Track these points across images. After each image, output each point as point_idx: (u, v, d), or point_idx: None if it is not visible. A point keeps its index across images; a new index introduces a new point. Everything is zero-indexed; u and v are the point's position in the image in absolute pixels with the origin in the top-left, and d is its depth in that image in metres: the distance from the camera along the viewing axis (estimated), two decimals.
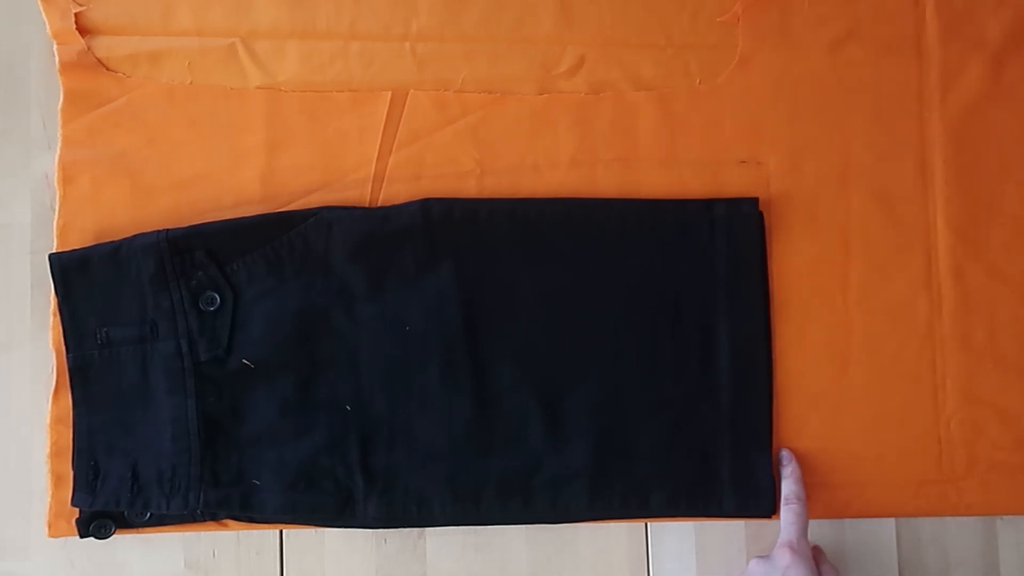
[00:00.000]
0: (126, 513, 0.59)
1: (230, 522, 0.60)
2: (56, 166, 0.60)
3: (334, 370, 0.59)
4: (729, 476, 0.60)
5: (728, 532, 0.62)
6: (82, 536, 0.58)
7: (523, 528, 0.62)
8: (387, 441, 0.59)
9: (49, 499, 0.59)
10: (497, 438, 0.60)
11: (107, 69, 0.60)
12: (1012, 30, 0.64)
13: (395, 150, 0.61)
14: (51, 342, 0.59)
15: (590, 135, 0.62)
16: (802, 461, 0.61)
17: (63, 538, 0.60)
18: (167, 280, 0.58)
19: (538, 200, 0.61)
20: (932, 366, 0.62)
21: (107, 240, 0.59)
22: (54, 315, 0.59)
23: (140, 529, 0.59)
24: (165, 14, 0.61)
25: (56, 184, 0.60)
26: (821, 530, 0.62)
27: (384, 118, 0.61)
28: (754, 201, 0.61)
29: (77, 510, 0.58)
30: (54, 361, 0.59)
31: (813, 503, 0.61)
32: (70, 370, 0.58)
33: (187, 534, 0.60)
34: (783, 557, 0.55)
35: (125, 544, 0.60)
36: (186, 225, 0.59)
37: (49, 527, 0.59)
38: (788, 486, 0.59)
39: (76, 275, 0.58)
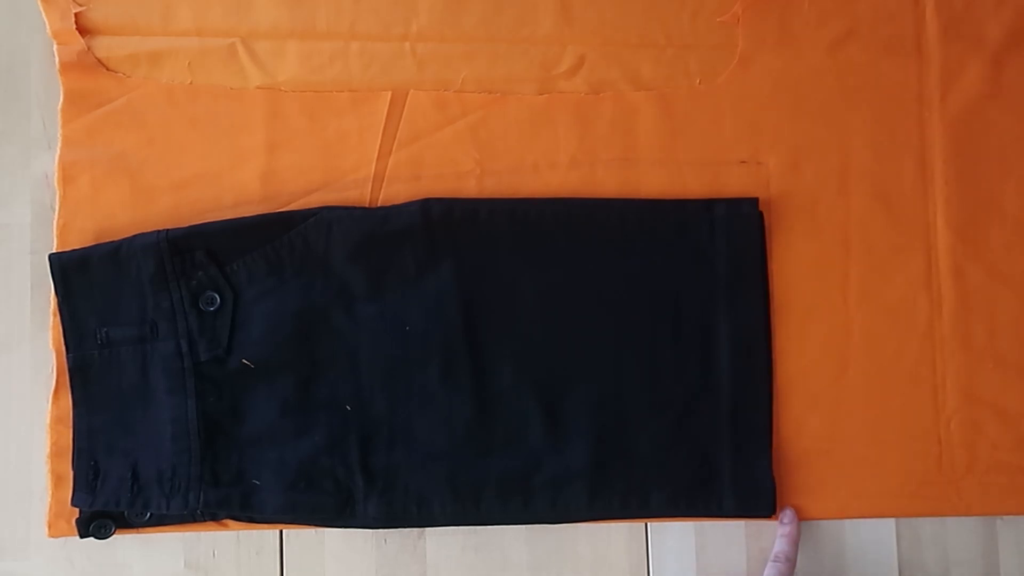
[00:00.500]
0: (126, 513, 0.59)
1: (230, 522, 0.60)
2: (56, 166, 0.60)
3: (334, 370, 0.59)
4: (729, 476, 0.60)
5: (728, 532, 0.62)
6: (82, 536, 0.58)
7: (523, 528, 0.62)
8: (387, 441, 0.59)
9: (49, 499, 0.59)
10: (497, 438, 0.60)
11: (107, 69, 0.60)
12: (1012, 30, 0.64)
13: (395, 150, 0.61)
14: (51, 342, 0.59)
15: (590, 135, 0.62)
16: (802, 461, 0.61)
17: (63, 538, 0.60)
18: (167, 280, 0.58)
19: (538, 200, 0.61)
20: (932, 366, 0.62)
21: (107, 240, 0.59)
22: (54, 315, 0.59)
23: (140, 529, 0.59)
24: (165, 14, 0.61)
25: (56, 184, 0.60)
26: (821, 530, 0.62)
27: (384, 118, 0.61)
28: (754, 201, 0.61)
29: (77, 510, 0.58)
30: (54, 361, 0.59)
31: (813, 503, 0.61)
32: (70, 370, 0.58)
33: (187, 534, 0.60)
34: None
35: (125, 544, 0.60)
36: (186, 225, 0.59)
37: (49, 527, 0.59)
38: (780, 544, 0.59)
39: (76, 275, 0.58)
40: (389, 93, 0.62)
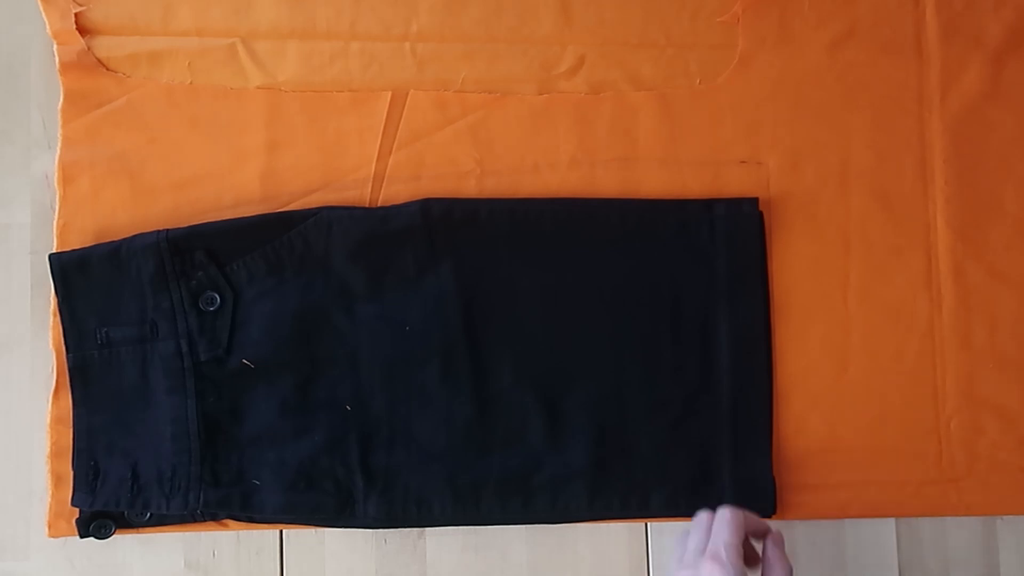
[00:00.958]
0: (126, 513, 0.59)
1: (230, 522, 0.60)
2: (56, 166, 0.60)
3: (334, 370, 0.59)
4: (729, 476, 0.60)
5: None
6: (82, 536, 0.58)
7: (523, 528, 0.62)
8: (387, 441, 0.59)
9: (49, 499, 0.59)
10: (497, 438, 0.60)
11: (107, 69, 0.60)
12: (1012, 30, 0.64)
13: (395, 150, 0.61)
14: (51, 342, 0.59)
15: (590, 135, 0.62)
16: (802, 461, 0.61)
17: (63, 538, 0.60)
18: (167, 280, 0.58)
19: (538, 200, 0.61)
20: (932, 366, 0.62)
21: (107, 240, 0.59)
22: (54, 315, 0.59)
23: (140, 529, 0.59)
24: (165, 14, 0.61)
25: (56, 184, 0.60)
26: (821, 530, 0.62)
27: (384, 118, 0.61)
28: (754, 201, 0.61)
29: (77, 510, 0.58)
30: (54, 361, 0.59)
31: (813, 503, 0.61)
32: (70, 370, 0.58)
33: (187, 534, 0.60)
34: (706, 570, 0.50)
35: (125, 544, 0.60)
36: (186, 225, 0.59)
37: (49, 527, 0.59)
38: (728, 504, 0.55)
39: (76, 275, 0.58)
40: (389, 93, 0.62)
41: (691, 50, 0.63)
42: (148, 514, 0.59)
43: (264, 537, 0.61)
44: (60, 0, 0.60)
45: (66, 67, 0.60)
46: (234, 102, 0.61)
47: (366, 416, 0.59)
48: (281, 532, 0.61)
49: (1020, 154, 0.64)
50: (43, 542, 0.60)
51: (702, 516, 0.54)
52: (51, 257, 0.58)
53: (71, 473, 0.58)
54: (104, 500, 0.58)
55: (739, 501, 0.60)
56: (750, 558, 0.53)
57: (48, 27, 0.60)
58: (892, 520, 0.63)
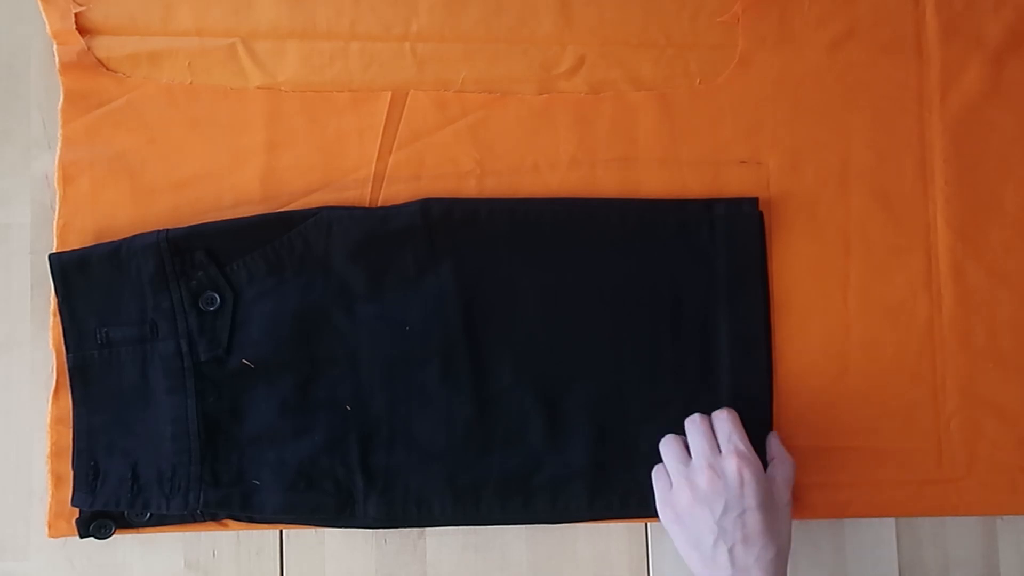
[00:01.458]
0: (126, 513, 0.59)
1: (230, 522, 0.60)
2: (56, 166, 0.60)
3: (334, 370, 0.59)
4: None
5: None
6: (82, 536, 0.58)
7: (523, 528, 0.62)
8: (387, 441, 0.59)
9: (49, 499, 0.59)
10: (497, 438, 0.60)
11: (107, 69, 0.60)
12: (1012, 30, 0.64)
13: (395, 150, 0.61)
14: (51, 342, 0.59)
15: (590, 135, 0.62)
16: (802, 461, 0.61)
17: (63, 538, 0.60)
18: (167, 280, 0.58)
19: (538, 200, 0.61)
20: (932, 366, 0.62)
21: (107, 240, 0.59)
22: (54, 315, 0.59)
23: (140, 529, 0.59)
24: (165, 14, 0.61)
25: (56, 184, 0.60)
26: (821, 530, 0.62)
27: (384, 118, 0.61)
28: (754, 201, 0.61)
29: (77, 510, 0.58)
30: (54, 361, 0.59)
31: (813, 503, 0.61)
32: (70, 370, 0.58)
33: (187, 534, 0.60)
34: (732, 468, 0.53)
35: (125, 544, 0.60)
36: (186, 225, 0.59)
37: (49, 527, 0.59)
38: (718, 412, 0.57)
39: (76, 275, 0.58)
40: (389, 93, 0.62)
41: (691, 50, 0.63)
42: (148, 514, 0.59)
43: (264, 537, 0.61)
44: (60, 0, 0.60)
45: (66, 67, 0.60)
46: (234, 102, 0.61)
47: (366, 416, 0.59)
48: (281, 532, 0.61)
49: (1020, 154, 0.64)
50: (43, 542, 0.60)
51: (696, 420, 0.56)
52: (51, 257, 0.58)
53: (71, 473, 0.58)
54: (104, 500, 0.58)
55: None
56: None
57: (48, 27, 0.60)
58: (892, 520, 0.63)
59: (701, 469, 0.54)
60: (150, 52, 0.61)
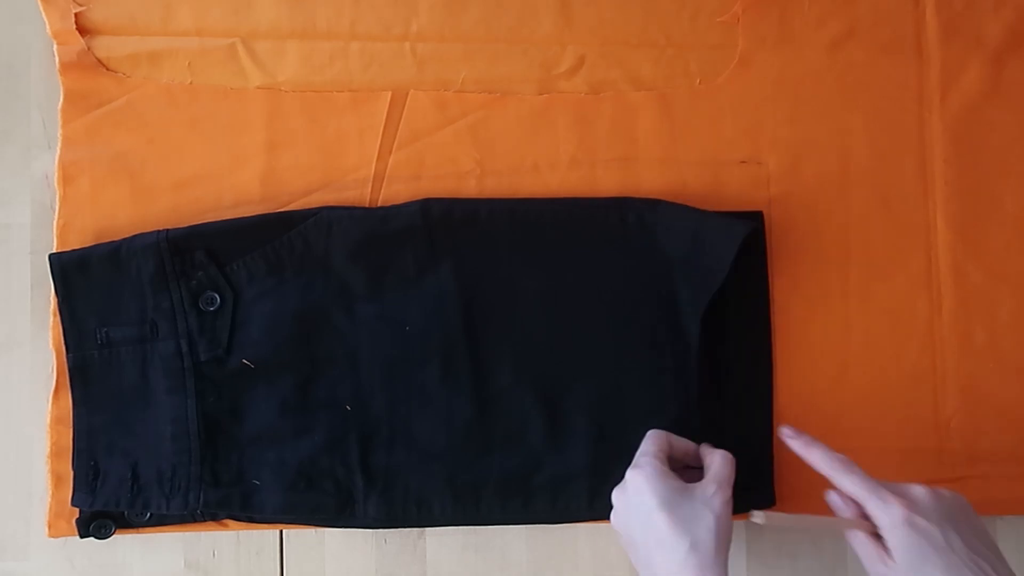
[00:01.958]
0: (126, 513, 0.59)
1: (230, 522, 0.60)
2: (56, 166, 0.60)
3: (334, 370, 0.59)
4: None
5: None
6: (82, 536, 0.58)
7: (523, 528, 0.62)
8: (387, 441, 0.59)
9: (49, 499, 0.59)
10: (497, 438, 0.60)
11: (107, 69, 0.60)
12: (1012, 30, 0.64)
13: (395, 150, 0.61)
14: (51, 342, 0.59)
15: (590, 135, 0.62)
16: (802, 461, 0.60)
17: (63, 538, 0.60)
18: (167, 280, 0.58)
19: (538, 200, 0.61)
20: (932, 366, 0.62)
21: (107, 240, 0.59)
22: (54, 315, 0.59)
23: (140, 529, 0.59)
24: (165, 14, 0.61)
25: (56, 184, 0.60)
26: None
27: (384, 118, 0.61)
28: (758, 215, 0.61)
29: (77, 510, 0.58)
30: (54, 361, 0.59)
31: (814, 503, 0.61)
32: (70, 370, 0.58)
33: (187, 534, 0.60)
34: (630, 481, 0.52)
35: (125, 544, 0.60)
36: (186, 225, 0.59)
37: (49, 527, 0.59)
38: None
39: (76, 275, 0.58)
40: (389, 93, 0.62)
41: (691, 50, 0.63)
42: (148, 514, 0.59)
43: (264, 537, 0.61)
44: (60, 0, 0.60)
45: (66, 67, 0.60)
46: (234, 102, 0.61)
47: (366, 416, 0.59)
48: (281, 532, 0.61)
49: (1020, 154, 0.64)
50: (43, 542, 0.60)
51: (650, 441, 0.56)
52: (51, 257, 0.58)
53: (71, 473, 0.58)
54: (104, 500, 0.58)
55: (739, 500, 0.60)
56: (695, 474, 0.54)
57: (48, 27, 0.60)
58: None
59: (616, 490, 0.54)
60: (150, 52, 0.61)
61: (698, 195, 0.62)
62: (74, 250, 0.58)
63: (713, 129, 0.63)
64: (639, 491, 0.52)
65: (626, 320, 0.60)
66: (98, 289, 0.58)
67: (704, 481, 0.53)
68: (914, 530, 0.50)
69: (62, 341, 0.58)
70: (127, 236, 0.58)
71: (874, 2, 0.64)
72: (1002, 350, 0.63)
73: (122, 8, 0.61)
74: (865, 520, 0.52)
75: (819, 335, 0.62)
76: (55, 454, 0.59)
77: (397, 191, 0.61)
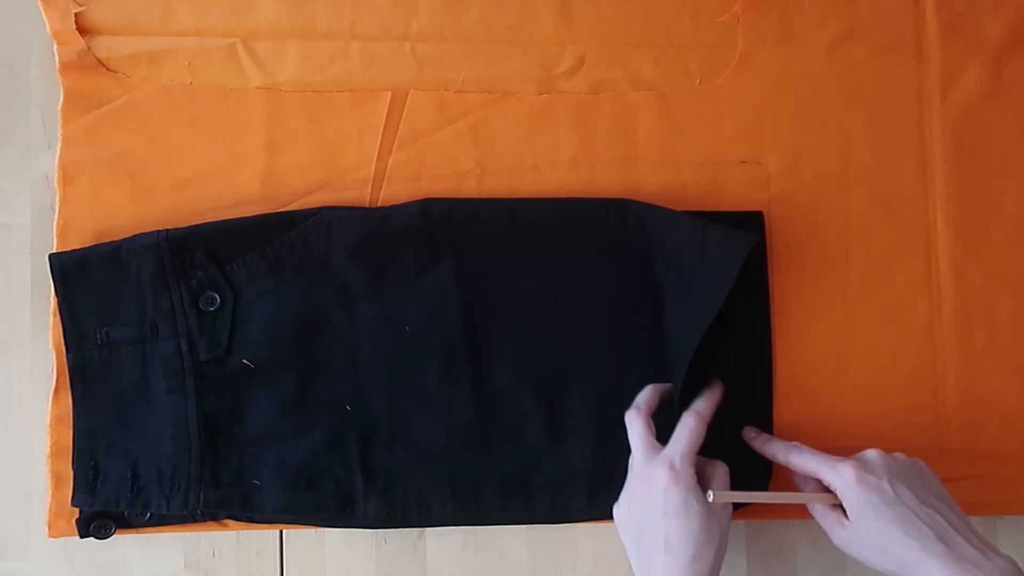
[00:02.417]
0: (126, 513, 0.59)
1: (230, 522, 0.60)
2: (56, 166, 0.60)
3: (334, 370, 0.59)
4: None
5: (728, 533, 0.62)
6: (82, 536, 0.58)
7: (523, 528, 0.62)
8: (387, 441, 0.59)
9: (49, 499, 0.59)
10: (497, 438, 0.60)
11: (107, 69, 0.60)
12: (1012, 30, 0.64)
13: (395, 150, 0.61)
14: (51, 342, 0.59)
15: (590, 135, 0.62)
16: None
17: (63, 538, 0.60)
18: (167, 280, 0.58)
19: (538, 200, 0.61)
20: (932, 366, 0.62)
21: (107, 240, 0.59)
22: (54, 315, 0.59)
23: (140, 529, 0.59)
24: (165, 14, 0.61)
25: (56, 184, 0.60)
26: (821, 530, 0.62)
27: (384, 118, 0.61)
28: (758, 215, 0.61)
29: (77, 510, 0.58)
30: (54, 361, 0.59)
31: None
32: (70, 370, 0.58)
33: (187, 534, 0.60)
34: (661, 477, 0.53)
35: (125, 544, 0.60)
36: (186, 225, 0.59)
37: (49, 527, 0.59)
38: (698, 402, 0.56)
39: (76, 275, 0.58)
40: (389, 93, 0.62)
41: (691, 50, 0.63)
42: (148, 514, 0.59)
43: (264, 537, 0.61)
44: (60, 0, 0.60)
45: (66, 67, 0.60)
46: (234, 102, 0.61)
47: (366, 416, 0.59)
48: (281, 532, 0.61)
49: (1020, 154, 0.64)
50: (43, 542, 0.60)
51: (632, 416, 0.56)
52: (51, 257, 0.58)
53: (71, 473, 0.58)
54: (104, 500, 0.58)
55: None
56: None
57: (48, 27, 0.60)
58: None
59: (638, 477, 0.55)
60: (150, 52, 0.61)
61: (698, 195, 0.62)
62: (74, 250, 0.58)
63: (713, 129, 0.63)
64: (666, 489, 0.52)
65: (625, 320, 0.60)
66: (98, 289, 0.58)
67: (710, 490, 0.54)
68: (864, 486, 0.52)
69: (62, 341, 0.58)
70: (127, 236, 0.58)
71: (874, 2, 0.64)
72: (1002, 350, 0.63)
73: (122, 8, 0.61)
74: (825, 492, 0.55)
75: (819, 335, 0.62)
76: (55, 454, 0.59)
77: (397, 191, 0.61)
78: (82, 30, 0.60)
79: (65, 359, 0.58)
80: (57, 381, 0.59)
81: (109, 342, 0.58)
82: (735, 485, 0.55)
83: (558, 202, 0.61)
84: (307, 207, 0.60)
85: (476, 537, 0.62)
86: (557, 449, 0.59)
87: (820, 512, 0.55)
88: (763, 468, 0.60)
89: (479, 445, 0.60)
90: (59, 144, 0.60)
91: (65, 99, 0.60)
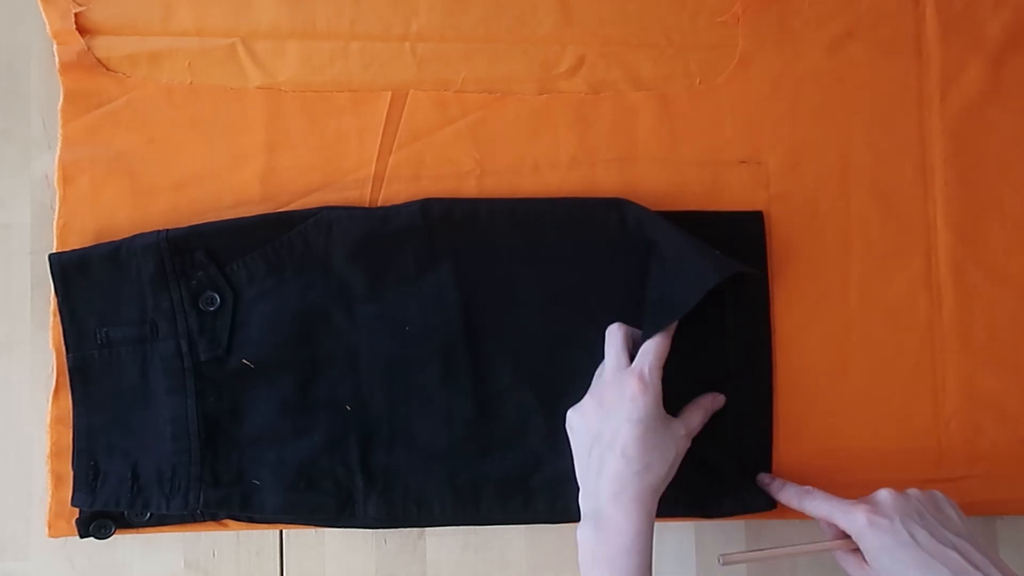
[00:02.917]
0: (126, 513, 0.59)
1: (230, 522, 0.60)
2: (56, 166, 0.60)
3: (334, 370, 0.59)
4: (729, 476, 0.60)
5: (728, 532, 0.62)
6: (82, 536, 0.58)
7: (523, 528, 0.62)
8: (387, 441, 0.59)
9: (49, 499, 0.59)
10: (497, 438, 0.60)
11: (107, 69, 0.60)
12: (1012, 30, 0.64)
13: (395, 150, 0.61)
14: (51, 342, 0.59)
15: (590, 135, 0.62)
16: (802, 461, 0.61)
17: (63, 538, 0.60)
18: (167, 280, 0.58)
19: (538, 200, 0.61)
20: (932, 366, 0.62)
21: (107, 240, 0.59)
22: (54, 315, 0.59)
23: (140, 529, 0.59)
24: (165, 14, 0.61)
25: (56, 184, 0.60)
26: (822, 530, 0.62)
27: (384, 118, 0.61)
28: (758, 215, 0.61)
29: (77, 510, 0.58)
30: (54, 361, 0.59)
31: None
32: (70, 370, 0.58)
33: (187, 534, 0.60)
34: (631, 386, 0.54)
35: (125, 544, 0.60)
36: (186, 225, 0.59)
37: (49, 527, 0.59)
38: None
39: (76, 275, 0.58)
40: (389, 93, 0.62)
41: (691, 50, 0.63)
42: (148, 514, 0.59)
43: (264, 537, 0.61)
44: (60, 0, 0.60)
45: (66, 67, 0.60)
46: (234, 102, 0.61)
47: (366, 416, 0.59)
48: (281, 532, 0.61)
49: (1020, 154, 0.64)
50: (43, 542, 0.60)
51: (614, 330, 0.57)
52: (51, 257, 0.58)
53: (71, 473, 0.58)
54: (104, 500, 0.58)
55: (740, 502, 0.60)
56: None
57: (48, 27, 0.60)
58: None
59: (608, 383, 0.56)
60: (150, 52, 0.61)
61: (698, 195, 0.62)
62: (74, 250, 0.58)
63: (713, 129, 0.63)
64: (633, 397, 0.53)
65: (626, 320, 0.60)
66: (98, 289, 0.58)
67: (678, 421, 0.55)
68: (877, 530, 0.52)
69: (62, 341, 0.58)
70: (127, 236, 0.58)
71: (874, 2, 0.64)
72: (1002, 350, 0.63)
73: (122, 8, 0.61)
74: (843, 539, 0.54)
75: (819, 335, 0.62)
76: (55, 454, 0.59)
77: (397, 191, 0.61)
78: (82, 30, 0.60)
79: (65, 359, 0.58)
80: (57, 381, 0.59)
81: (109, 342, 0.58)
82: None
83: (558, 202, 0.61)
84: (307, 207, 0.60)
85: (476, 537, 0.62)
86: (557, 449, 0.59)
87: (842, 557, 0.55)
88: (762, 461, 0.60)
89: (479, 445, 0.60)
90: (59, 144, 0.60)
91: (65, 99, 0.60)
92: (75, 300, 0.58)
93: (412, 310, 0.60)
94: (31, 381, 0.61)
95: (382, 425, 0.59)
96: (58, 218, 0.60)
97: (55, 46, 0.60)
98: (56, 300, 0.58)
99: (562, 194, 0.61)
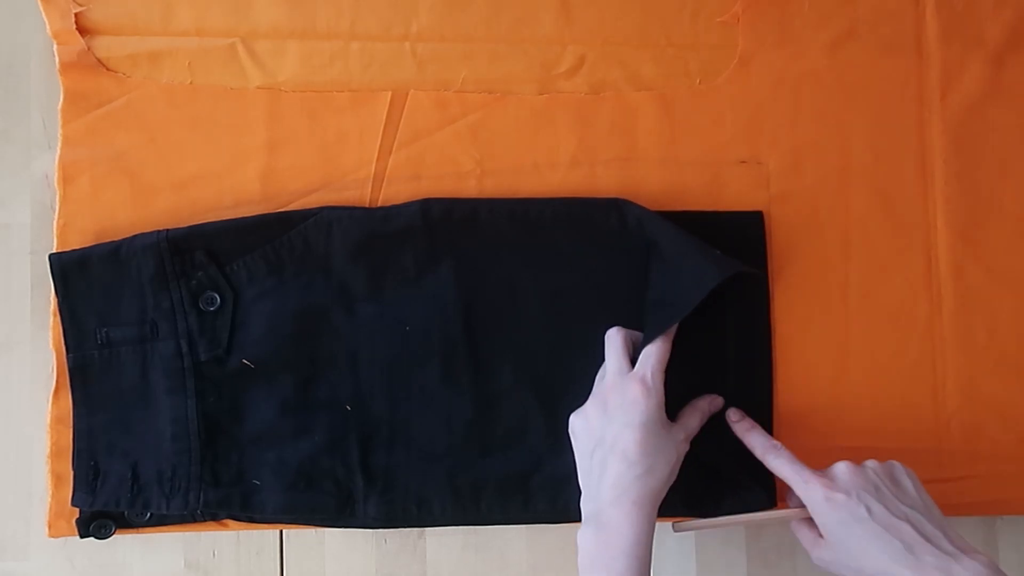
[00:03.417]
0: (126, 513, 0.59)
1: (230, 522, 0.60)
2: (56, 166, 0.60)
3: (334, 370, 0.59)
4: (729, 476, 0.60)
5: (728, 532, 0.62)
6: (82, 536, 0.58)
7: (523, 528, 0.62)
8: (387, 441, 0.60)
9: (49, 499, 0.59)
10: (497, 438, 0.60)
11: (107, 69, 0.60)
12: (1012, 30, 0.64)
13: (395, 150, 0.61)
14: (51, 342, 0.59)
15: (590, 135, 0.62)
16: (802, 460, 0.60)
17: (63, 538, 0.60)
18: (167, 280, 0.58)
19: (538, 200, 0.61)
20: (932, 366, 0.62)
21: (107, 240, 0.59)
22: (54, 315, 0.59)
23: (140, 529, 0.59)
24: (165, 14, 0.61)
25: (56, 184, 0.60)
26: None
27: (384, 118, 0.61)
28: (758, 215, 0.61)
29: (77, 510, 0.58)
30: (54, 361, 0.59)
31: None
32: (70, 370, 0.58)
33: (187, 534, 0.60)
34: (633, 390, 0.54)
35: (125, 544, 0.60)
36: (186, 225, 0.59)
37: (49, 527, 0.59)
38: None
39: (76, 275, 0.58)
40: (389, 93, 0.62)
41: (691, 50, 0.63)
42: (148, 514, 0.59)
43: (264, 537, 0.61)
44: (60, 0, 0.60)
45: (66, 67, 0.60)
46: (234, 102, 0.61)
47: (366, 416, 0.59)
48: (281, 532, 0.61)
49: (1020, 154, 0.64)
50: (43, 542, 0.60)
51: (613, 334, 0.57)
52: (51, 257, 0.58)
53: (71, 473, 0.58)
54: (104, 500, 0.58)
55: (739, 500, 0.60)
56: None
57: (48, 27, 0.60)
58: None
59: (610, 387, 0.55)
60: (150, 52, 0.61)
61: (698, 195, 0.62)
62: (74, 250, 0.58)
63: (713, 129, 0.63)
64: (635, 402, 0.53)
65: (626, 320, 0.60)
66: (98, 289, 0.58)
67: (677, 425, 0.56)
68: (833, 505, 0.52)
69: (62, 341, 0.58)
70: (127, 236, 0.58)
71: (874, 2, 0.64)
72: (1002, 350, 0.63)
73: (122, 8, 0.61)
74: (799, 507, 0.55)
75: (819, 335, 0.62)
76: (55, 454, 0.59)
77: (397, 191, 0.61)
78: (82, 30, 0.60)
79: (65, 359, 0.58)
80: (57, 381, 0.59)
81: (109, 342, 0.58)
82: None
83: (558, 202, 0.61)
84: (307, 207, 0.60)
85: (476, 537, 0.62)
86: (557, 449, 0.59)
87: (798, 530, 0.56)
88: (765, 470, 0.60)
89: (479, 445, 0.60)
90: (59, 144, 0.60)
91: (65, 99, 0.60)
92: (75, 300, 0.58)
93: (412, 310, 0.60)
94: (31, 381, 0.61)
95: (382, 425, 0.59)
96: (58, 218, 0.60)
97: (55, 46, 0.60)
98: (56, 300, 0.58)
99: (562, 194, 0.61)
